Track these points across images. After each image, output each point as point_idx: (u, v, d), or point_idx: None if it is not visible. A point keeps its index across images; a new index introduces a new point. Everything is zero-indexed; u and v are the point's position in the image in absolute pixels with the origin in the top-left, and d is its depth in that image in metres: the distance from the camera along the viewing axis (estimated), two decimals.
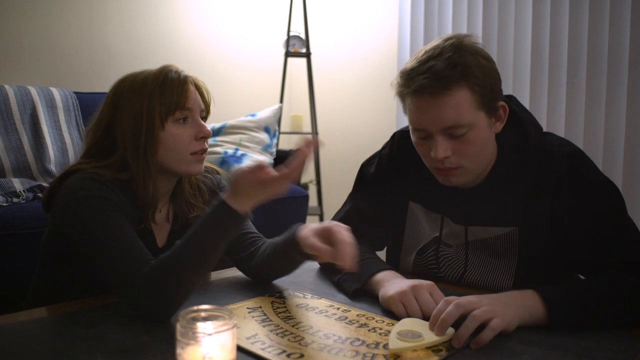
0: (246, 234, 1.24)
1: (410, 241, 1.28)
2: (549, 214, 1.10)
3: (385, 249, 1.38)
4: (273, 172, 0.95)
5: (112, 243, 1.00)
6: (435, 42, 1.09)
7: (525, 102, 2.64)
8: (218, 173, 1.34)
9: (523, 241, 1.13)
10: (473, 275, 1.17)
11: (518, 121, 1.15)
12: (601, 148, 2.44)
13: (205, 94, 1.19)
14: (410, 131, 1.15)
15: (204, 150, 1.16)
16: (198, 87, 1.18)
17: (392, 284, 1.05)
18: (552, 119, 2.58)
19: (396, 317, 0.98)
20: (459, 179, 1.12)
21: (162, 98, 1.10)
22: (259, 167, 0.95)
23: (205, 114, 1.19)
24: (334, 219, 1.36)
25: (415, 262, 1.25)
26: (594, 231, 1.06)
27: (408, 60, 1.10)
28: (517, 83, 2.70)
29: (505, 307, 0.93)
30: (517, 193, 1.13)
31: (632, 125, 2.35)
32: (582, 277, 1.12)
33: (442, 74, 1.02)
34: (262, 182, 0.95)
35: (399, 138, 1.29)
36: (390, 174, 1.29)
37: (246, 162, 2.71)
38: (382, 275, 1.10)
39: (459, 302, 0.91)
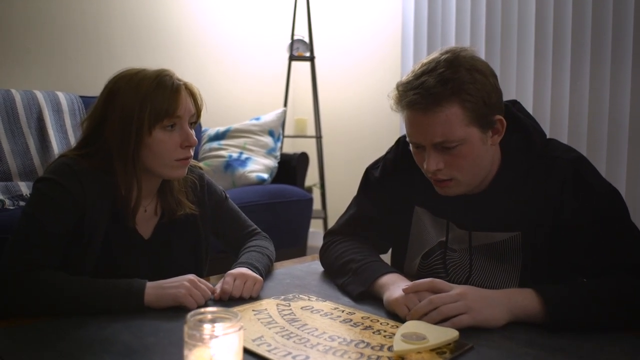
0: (246, 234, 1.40)
1: (415, 245, 1.28)
2: (552, 218, 1.11)
3: (389, 252, 1.39)
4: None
5: (26, 229, 1.08)
6: (433, 55, 1.09)
7: (529, 94, 2.66)
8: (201, 169, 1.37)
9: (527, 246, 1.13)
10: (478, 279, 1.18)
11: (522, 127, 1.15)
12: (605, 138, 2.44)
13: (199, 100, 1.21)
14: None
15: (188, 157, 1.18)
16: (192, 94, 1.19)
17: (396, 287, 1.06)
18: (555, 113, 2.60)
19: (400, 320, 0.99)
20: (453, 190, 1.12)
21: (152, 104, 1.12)
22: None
23: (196, 118, 1.21)
24: (338, 222, 1.37)
25: (420, 266, 1.26)
26: (597, 235, 1.06)
27: (407, 74, 1.11)
28: (520, 76, 2.71)
29: (488, 306, 0.96)
30: (521, 198, 1.13)
31: (635, 120, 2.36)
32: (584, 280, 1.13)
33: (432, 91, 1.03)
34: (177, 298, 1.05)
35: (404, 143, 1.30)
36: (395, 178, 1.30)
37: (250, 166, 2.72)
38: (387, 279, 1.11)
39: (432, 299, 0.97)
